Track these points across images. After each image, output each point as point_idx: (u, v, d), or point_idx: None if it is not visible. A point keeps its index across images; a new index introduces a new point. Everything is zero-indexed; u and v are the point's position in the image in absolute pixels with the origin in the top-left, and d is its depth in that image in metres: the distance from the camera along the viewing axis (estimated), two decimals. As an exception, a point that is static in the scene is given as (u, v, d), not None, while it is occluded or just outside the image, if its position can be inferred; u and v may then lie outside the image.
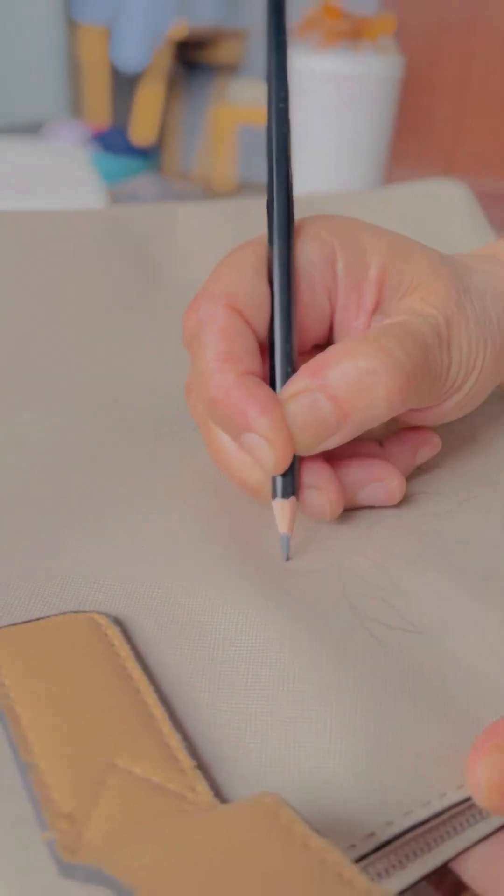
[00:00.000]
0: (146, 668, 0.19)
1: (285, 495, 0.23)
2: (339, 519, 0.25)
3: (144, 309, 0.35)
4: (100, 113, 2.36)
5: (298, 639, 0.20)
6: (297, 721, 0.18)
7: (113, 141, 1.96)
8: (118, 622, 0.20)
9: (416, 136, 2.00)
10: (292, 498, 0.23)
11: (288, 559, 0.23)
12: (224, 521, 0.24)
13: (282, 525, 0.23)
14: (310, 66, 0.94)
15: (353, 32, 0.95)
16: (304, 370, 0.23)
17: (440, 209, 0.43)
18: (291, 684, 0.19)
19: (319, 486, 0.24)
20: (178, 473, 0.26)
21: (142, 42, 2.18)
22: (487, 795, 0.17)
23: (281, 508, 0.23)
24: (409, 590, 0.22)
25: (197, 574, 0.22)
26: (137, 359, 0.33)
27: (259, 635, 0.20)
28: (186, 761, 0.17)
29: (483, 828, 0.18)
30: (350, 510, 0.25)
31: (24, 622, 0.20)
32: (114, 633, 0.19)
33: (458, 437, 0.31)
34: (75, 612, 0.20)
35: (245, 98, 2.12)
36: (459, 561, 0.24)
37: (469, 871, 0.18)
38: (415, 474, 0.28)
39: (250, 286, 0.24)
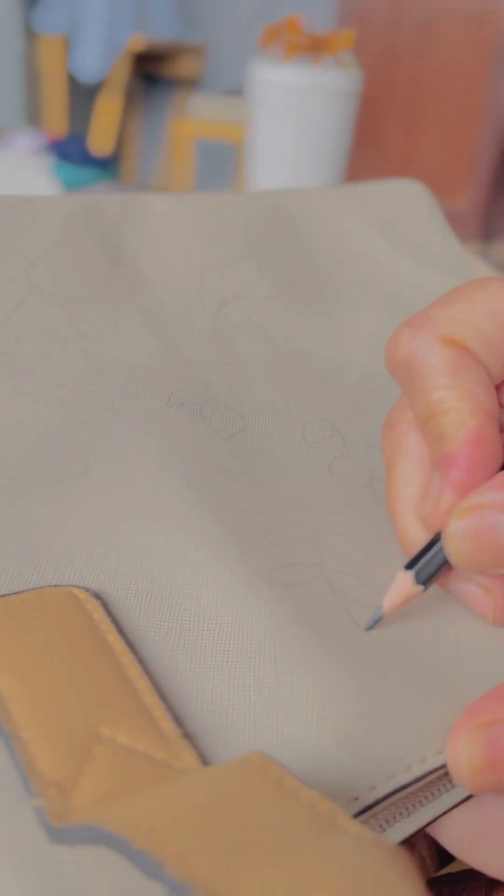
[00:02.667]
0: (128, 642, 0.19)
1: (419, 579, 0.20)
2: (318, 494, 0.25)
3: (117, 294, 0.35)
4: (58, 122, 2.35)
5: (279, 613, 0.20)
6: (281, 690, 0.18)
7: (71, 150, 1.95)
8: (98, 596, 0.20)
9: (371, 150, 2.04)
10: (420, 587, 0.20)
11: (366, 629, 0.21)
12: (211, 498, 0.24)
13: (389, 599, 0.20)
14: (271, 78, 0.95)
15: (313, 46, 0.97)
16: None
17: (405, 208, 0.44)
18: (273, 656, 0.19)
19: (489, 587, 0.20)
20: (167, 449, 0.26)
21: (100, 52, 2.18)
22: (468, 777, 0.17)
23: (401, 583, 0.20)
24: (387, 569, 0.23)
25: (178, 550, 0.22)
26: (114, 343, 0.33)
27: (240, 609, 0.20)
28: (171, 730, 0.17)
29: (460, 793, 0.18)
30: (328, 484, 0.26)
31: (1, 596, 0.19)
32: (94, 607, 0.19)
33: None
34: (54, 586, 0.20)
35: (204, 112, 2.13)
36: None
37: (446, 835, 0.18)
38: (380, 459, 0.29)
39: (482, 327, 0.21)
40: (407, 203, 0.44)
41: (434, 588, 0.22)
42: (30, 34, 2.34)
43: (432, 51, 2.00)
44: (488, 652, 0.20)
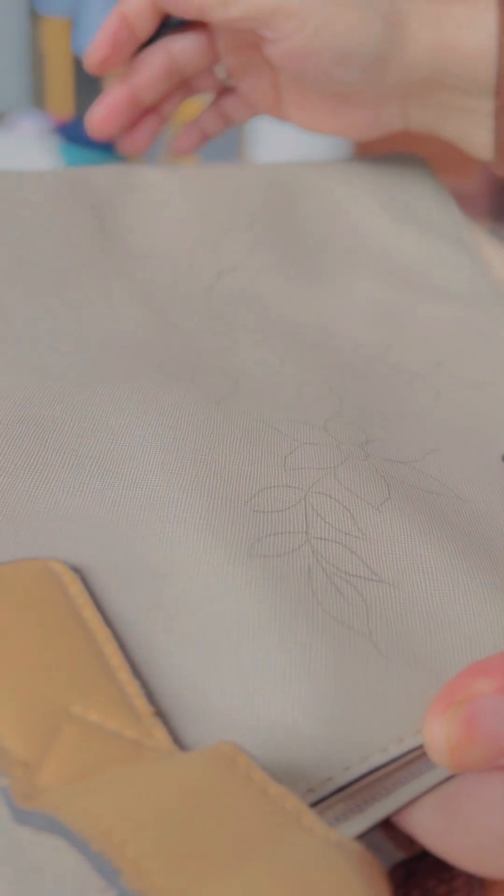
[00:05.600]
0: (105, 618, 0.19)
1: None
2: (310, 451, 0.25)
3: (109, 266, 0.34)
4: (63, 104, 2.33)
5: (259, 588, 0.20)
6: (257, 669, 0.18)
7: (77, 132, 1.93)
8: (77, 570, 0.19)
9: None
10: None
11: None
12: (195, 465, 0.24)
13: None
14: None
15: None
16: None
17: (405, 180, 0.44)
18: (252, 633, 0.18)
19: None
20: (153, 414, 0.25)
21: (105, 33, 2.16)
22: (447, 755, 0.16)
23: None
24: (373, 536, 0.22)
25: (160, 523, 0.21)
26: (105, 313, 0.32)
27: (220, 585, 0.20)
28: (144, 708, 0.16)
29: (437, 775, 0.17)
30: (321, 444, 0.25)
31: None
32: (71, 580, 0.19)
33: (421, 393, 0.31)
34: (31, 559, 0.19)
35: (210, 92, 2.11)
36: (426, 510, 0.23)
37: (417, 825, 0.18)
38: (378, 422, 0.28)
39: None
40: (407, 175, 0.43)
41: (416, 559, 0.21)
42: (33, 16, 2.32)
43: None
44: (468, 626, 0.20)
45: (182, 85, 0.40)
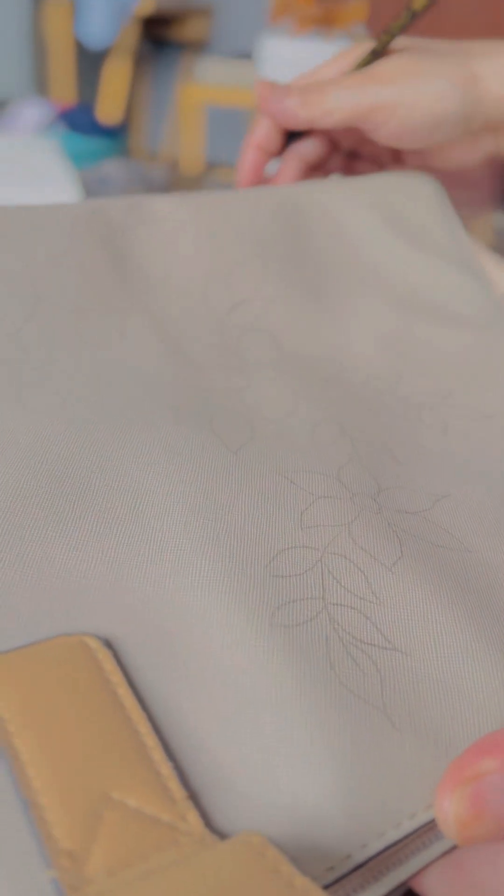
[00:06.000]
0: (137, 694, 0.20)
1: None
2: (325, 506, 0.26)
3: (124, 301, 0.35)
4: (66, 91, 2.32)
5: (281, 660, 0.21)
6: (280, 745, 0.19)
7: (80, 119, 1.92)
8: (108, 644, 0.21)
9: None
10: None
11: None
12: (216, 525, 0.25)
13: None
14: (281, 53, 0.93)
15: (325, 18, 0.95)
16: None
17: (414, 200, 0.44)
18: (274, 708, 0.20)
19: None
20: (174, 472, 0.26)
21: (108, 18, 2.14)
22: (457, 830, 0.17)
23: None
24: (387, 600, 0.23)
25: (184, 591, 0.22)
26: (122, 350, 0.33)
27: (243, 656, 0.21)
28: (178, 790, 0.17)
29: (447, 843, 0.19)
30: (333, 497, 0.26)
31: (18, 648, 0.20)
32: (105, 657, 0.20)
33: (429, 427, 0.32)
34: (67, 634, 0.20)
35: (213, 77, 2.10)
36: (436, 566, 0.24)
37: (425, 886, 0.19)
38: (389, 467, 0.29)
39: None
40: (415, 195, 0.43)
41: (426, 623, 0.22)
42: (36, 2, 2.30)
43: (446, 23, 1.95)
44: (476, 696, 0.21)
45: (315, 170, 0.47)
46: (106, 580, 0.22)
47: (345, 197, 0.42)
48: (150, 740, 0.18)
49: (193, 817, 0.17)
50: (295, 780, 0.18)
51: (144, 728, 0.18)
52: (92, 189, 0.83)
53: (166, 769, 0.18)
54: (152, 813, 0.16)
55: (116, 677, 0.19)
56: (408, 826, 0.18)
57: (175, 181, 0.86)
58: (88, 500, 0.25)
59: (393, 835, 0.18)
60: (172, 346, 0.33)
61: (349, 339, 0.37)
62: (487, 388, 0.35)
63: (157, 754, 0.18)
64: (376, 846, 0.17)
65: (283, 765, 0.18)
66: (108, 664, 0.20)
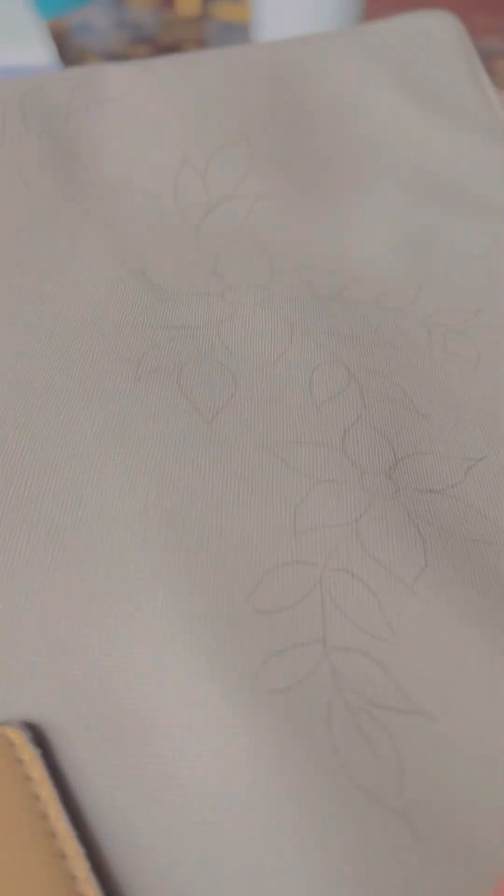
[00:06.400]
0: (72, 805, 0.15)
1: None
2: (325, 494, 0.20)
3: (73, 213, 0.28)
4: None
5: (268, 750, 0.15)
6: (262, 877, 0.14)
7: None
8: (38, 738, 0.16)
9: None
10: None
11: None
12: (185, 548, 0.18)
13: None
14: None
15: None
16: None
17: (432, 52, 0.35)
18: (257, 822, 0.15)
19: None
20: (133, 473, 0.20)
21: None
22: None
23: None
24: (408, 636, 0.17)
25: (144, 652, 0.17)
26: (75, 279, 0.26)
27: (216, 742, 0.16)
28: None
29: None
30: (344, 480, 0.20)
31: None
32: (31, 758, 0.15)
33: (458, 359, 0.26)
34: None
35: None
36: (473, 580, 0.18)
37: None
38: (409, 422, 0.23)
39: None
40: (433, 45, 0.35)
41: (460, 670, 0.17)
42: None
43: None
44: None
45: None
46: (45, 641, 0.17)
47: (351, 53, 0.33)
48: (80, 868, 0.14)
49: None
50: None
51: (72, 848, 0.14)
52: (70, 39, 0.72)
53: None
54: None
55: (44, 788, 0.15)
56: None
57: (169, 25, 0.75)
58: (31, 509, 0.19)
59: None
60: (136, 266, 0.27)
61: (357, 240, 0.30)
62: None
63: (89, 889, 0.13)
64: None
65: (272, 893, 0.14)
66: (36, 770, 0.15)
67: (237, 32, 0.69)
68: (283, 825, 0.15)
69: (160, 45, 0.65)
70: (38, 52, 0.57)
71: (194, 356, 0.24)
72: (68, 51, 0.66)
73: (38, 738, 0.15)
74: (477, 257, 0.29)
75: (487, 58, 0.60)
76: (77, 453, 0.20)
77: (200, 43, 0.65)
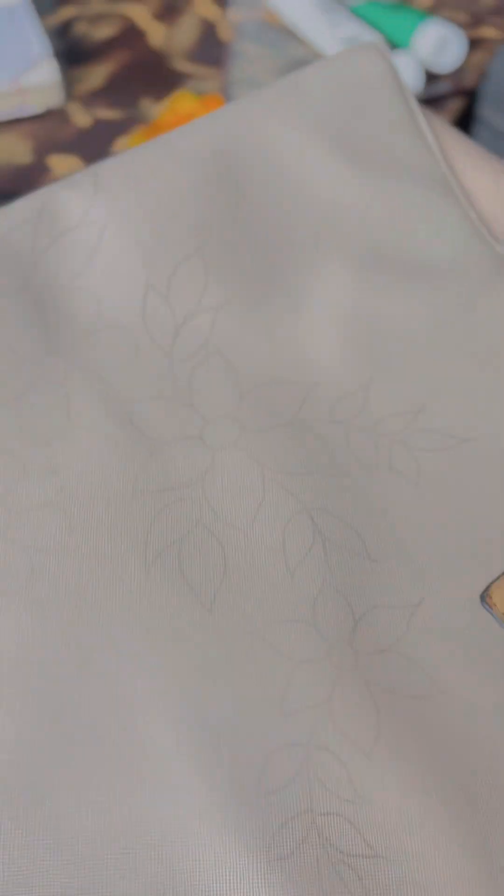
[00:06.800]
0: None
1: None
2: (305, 678, 0.24)
3: (59, 366, 0.29)
4: None
5: None
6: None
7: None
8: None
9: None
10: None
11: None
12: (200, 733, 0.23)
13: None
14: None
15: None
16: None
17: (365, 96, 0.35)
18: None
19: None
20: (163, 660, 0.24)
21: None
22: None
23: None
24: (369, 797, 0.22)
25: (175, 844, 0.21)
26: (73, 442, 0.28)
27: None
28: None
29: None
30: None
31: None
32: None
33: (400, 478, 0.28)
34: None
35: None
36: (414, 736, 0.23)
37: None
38: (362, 572, 0.26)
39: None
40: (367, 91, 0.35)
41: (404, 821, 0.22)
42: None
43: None
44: None
45: None
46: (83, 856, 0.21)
47: (285, 122, 0.34)
48: None
49: None
50: None
51: None
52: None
53: None
54: None
55: None
56: None
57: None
58: (67, 725, 0.23)
59: None
60: (123, 418, 0.28)
61: (311, 337, 0.31)
62: (464, 393, 0.29)
63: None
64: None
65: None
66: None
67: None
68: None
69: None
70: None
71: (188, 527, 0.27)
72: None
73: None
74: (421, 339, 0.30)
75: None
76: (116, 661, 0.24)
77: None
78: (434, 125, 0.36)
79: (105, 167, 0.32)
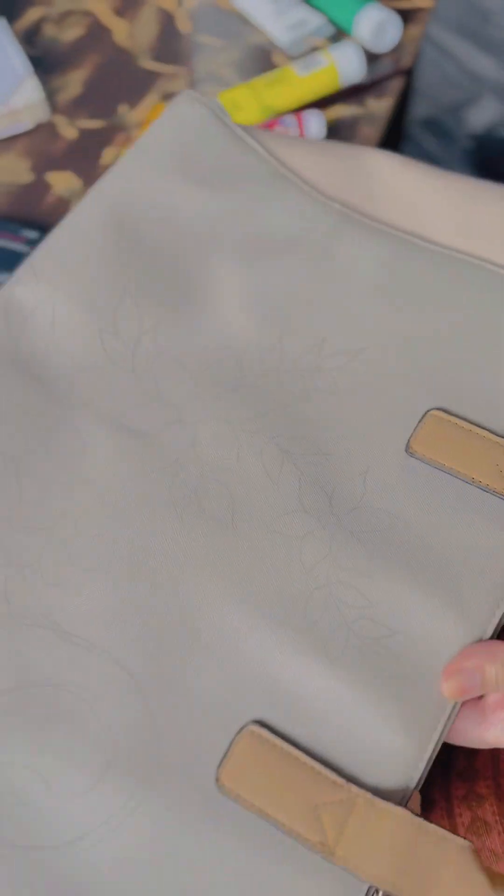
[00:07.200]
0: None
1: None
2: (309, 544, 0.36)
3: (54, 416, 0.39)
4: None
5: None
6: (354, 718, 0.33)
7: None
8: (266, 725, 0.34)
9: None
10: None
11: None
12: (276, 612, 0.35)
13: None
14: None
15: None
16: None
17: (198, 134, 0.45)
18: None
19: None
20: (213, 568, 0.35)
21: None
22: (449, 695, 0.32)
23: None
24: (376, 599, 0.34)
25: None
26: (99, 488, 0.38)
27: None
28: (336, 778, 0.32)
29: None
30: None
31: None
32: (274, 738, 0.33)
33: (325, 394, 0.40)
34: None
35: None
36: (391, 552, 0.35)
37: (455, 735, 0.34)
38: (324, 465, 0.38)
39: None
40: (197, 130, 0.46)
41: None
42: None
43: None
44: None
45: None
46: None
47: (149, 174, 0.45)
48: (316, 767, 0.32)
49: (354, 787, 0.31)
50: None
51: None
52: None
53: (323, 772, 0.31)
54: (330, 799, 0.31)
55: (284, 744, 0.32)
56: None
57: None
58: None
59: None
60: (119, 427, 0.39)
61: (226, 320, 0.42)
62: (347, 317, 0.41)
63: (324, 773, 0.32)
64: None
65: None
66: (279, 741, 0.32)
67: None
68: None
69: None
70: None
71: (196, 482, 0.37)
72: None
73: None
74: (302, 293, 0.41)
75: None
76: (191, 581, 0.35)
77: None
78: (259, 137, 0.47)
79: (37, 257, 0.42)
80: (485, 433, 0.37)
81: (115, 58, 0.73)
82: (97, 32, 0.75)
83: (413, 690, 0.32)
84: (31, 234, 0.61)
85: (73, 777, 0.31)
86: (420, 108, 0.76)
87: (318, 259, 0.42)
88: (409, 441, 0.37)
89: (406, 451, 0.37)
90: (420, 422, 0.37)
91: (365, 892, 0.29)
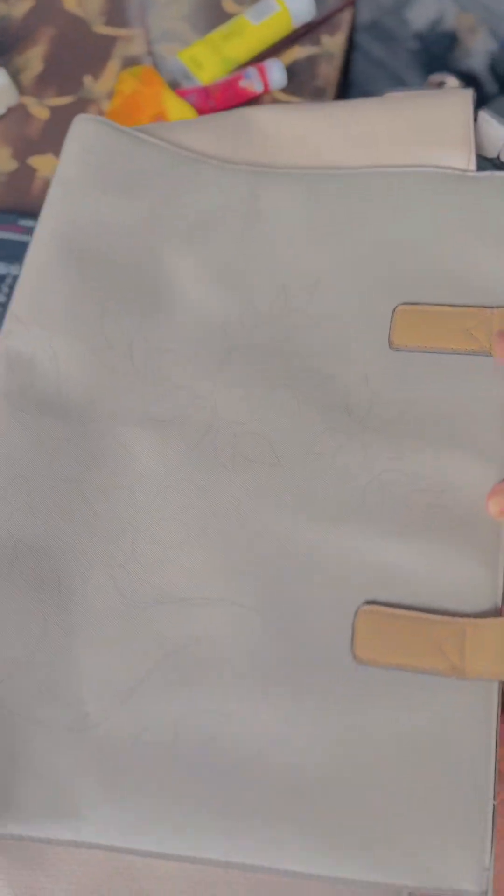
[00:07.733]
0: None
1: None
2: (340, 474, 0.42)
3: (94, 434, 0.45)
4: None
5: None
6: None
7: None
8: None
9: None
10: None
11: None
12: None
13: None
14: None
15: None
16: None
17: (108, 150, 0.49)
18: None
19: None
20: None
21: None
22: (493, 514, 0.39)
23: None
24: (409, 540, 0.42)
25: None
26: (134, 472, 0.43)
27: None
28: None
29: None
30: None
31: None
32: None
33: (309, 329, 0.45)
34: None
35: None
36: (412, 503, 0.43)
37: None
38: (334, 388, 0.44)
39: None
40: (105, 148, 0.50)
41: None
42: None
43: None
44: None
45: None
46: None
47: (79, 198, 0.48)
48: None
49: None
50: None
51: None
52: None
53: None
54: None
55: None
56: None
57: None
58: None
59: None
60: (147, 423, 0.44)
61: (197, 301, 0.46)
62: (291, 259, 0.46)
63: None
64: None
65: None
66: None
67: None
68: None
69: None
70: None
71: (227, 441, 0.43)
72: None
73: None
74: (253, 258, 0.46)
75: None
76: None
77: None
78: (156, 132, 0.51)
79: (17, 307, 0.46)
80: (447, 308, 0.43)
81: (69, 27, 0.74)
82: (46, 2, 0.76)
83: (474, 529, 0.39)
84: (29, 223, 0.64)
85: (240, 706, 0.37)
86: (364, 13, 0.78)
87: (248, 219, 0.47)
88: (389, 338, 0.43)
89: (390, 347, 0.43)
90: (391, 320, 0.44)
91: (497, 687, 0.36)
